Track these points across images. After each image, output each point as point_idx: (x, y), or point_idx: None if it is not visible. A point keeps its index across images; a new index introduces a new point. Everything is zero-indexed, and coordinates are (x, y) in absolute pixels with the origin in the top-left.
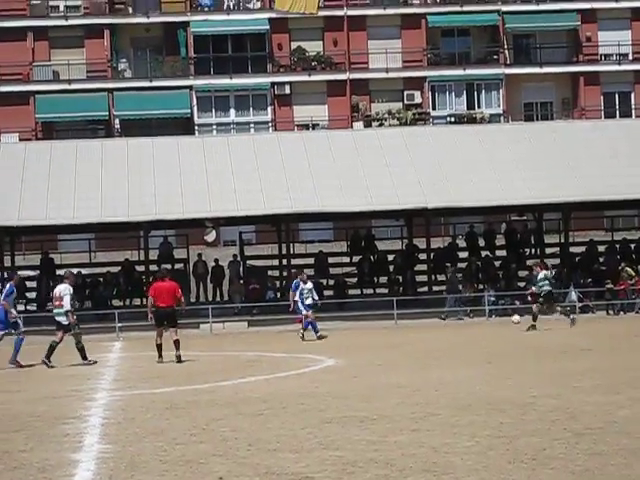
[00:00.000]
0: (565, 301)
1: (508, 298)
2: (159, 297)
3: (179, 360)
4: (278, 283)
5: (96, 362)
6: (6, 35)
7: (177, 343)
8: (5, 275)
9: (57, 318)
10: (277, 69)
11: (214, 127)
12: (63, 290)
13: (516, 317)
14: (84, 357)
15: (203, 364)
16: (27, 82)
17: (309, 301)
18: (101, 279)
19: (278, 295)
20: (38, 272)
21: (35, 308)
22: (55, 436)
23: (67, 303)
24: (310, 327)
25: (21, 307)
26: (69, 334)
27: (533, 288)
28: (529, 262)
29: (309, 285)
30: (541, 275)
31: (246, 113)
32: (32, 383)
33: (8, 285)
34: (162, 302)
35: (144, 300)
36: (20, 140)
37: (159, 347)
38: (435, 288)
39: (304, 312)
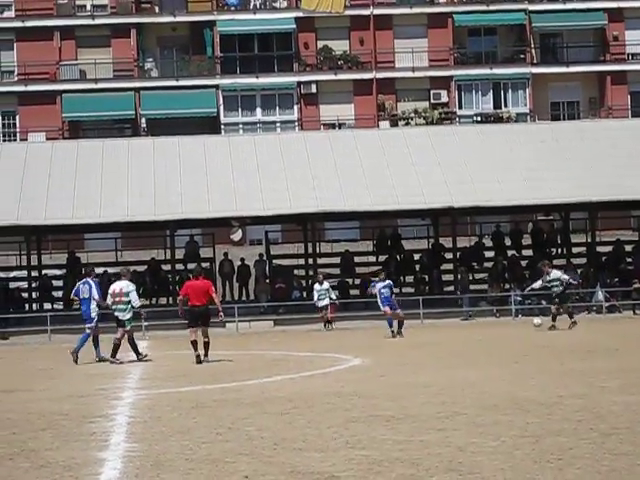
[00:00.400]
0: (592, 301)
1: (534, 298)
2: (193, 296)
3: (199, 361)
4: (304, 282)
5: (122, 363)
6: (33, 34)
7: (207, 345)
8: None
9: (116, 314)
10: (303, 68)
11: (240, 126)
12: (126, 287)
13: (537, 320)
14: (113, 355)
15: (229, 363)
16: (54, 81)
17: (326, 301)
18: None
19: (304, 294)
20: (64, 271)
21: (61, 307)
22: (81, 435)
23: (136, 299)
24: (387, 323)
25: (48, 306)
26: (126, 330)
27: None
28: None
29: (325, 286)
30: (553, 276)
31: (272, 112)
32: (59, 382)
33: (90, 280)
34: (196, 301)
35: (170, 299)
36: (47, 139)
37: (194, 343)
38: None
39: (383, 309)
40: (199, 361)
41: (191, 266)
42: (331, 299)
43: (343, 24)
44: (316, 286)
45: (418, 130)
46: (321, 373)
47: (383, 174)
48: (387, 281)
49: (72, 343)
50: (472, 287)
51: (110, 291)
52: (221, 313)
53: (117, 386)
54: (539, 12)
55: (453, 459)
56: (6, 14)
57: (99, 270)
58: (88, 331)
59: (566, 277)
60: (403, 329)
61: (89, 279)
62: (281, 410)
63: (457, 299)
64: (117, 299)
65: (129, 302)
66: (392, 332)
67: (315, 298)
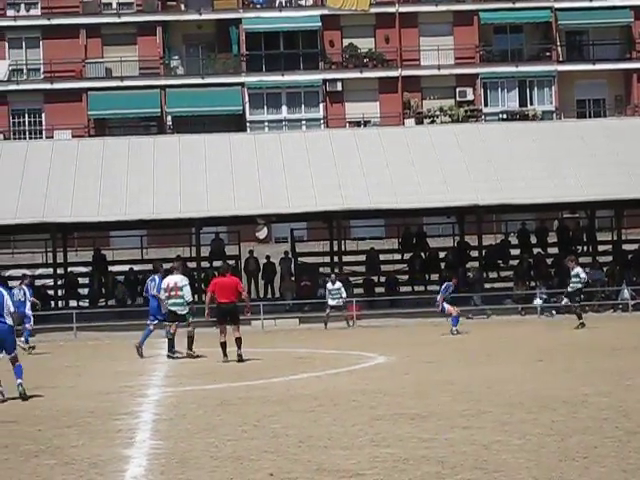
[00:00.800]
0: (618, 299)
1: (560, 296)
2: (220, 293)
3: (240, 359)
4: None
5: (199, 356)
6: (59, 32)
7: (239, 341)
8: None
9: (173, 308)
10: (329, 66)
11: (266, 124)
12: (180, 281)
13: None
14: (190, 347)
15: (255, 361)
16: (80, 79)
17: (336, 301)
18: None
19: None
20: (90, 268)
21: (87, 304)
22: (107, 432)
23: (188, 293)
24: (452, 321)
25: (73, 303)
26: (183, 324)
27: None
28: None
29: (337, 285)
30: (574, 272)
31: (298, 110)
32: (84, 379)
33: (157, 277)
34: (224, 298)
35: (196, 297)
36: (73, 137)
37: (223, 345)
38: (487, 285)
39: (448, 308)
40: (240, 359)
41: (217, 264)
42: (342, 298)
43: (369, 22)
44: (328, 285)
45: (443, 128)
46: (346, 371)
47: (408, 172)
48: (337, 283)
49: (98, 340)
50: (497, 285)
51: (164, 285)
52: (249, 310)
53: (142, 383)
54: (565, 9)
55: (478, 457)
56: (32, 12)
57: (124, 268)
58: (152, 327)
59: (584, 276)
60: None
61: (156, 276)
62: (306, 408)
63: (483, 297)
64: (172, 293)
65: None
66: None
67: (327, 297)
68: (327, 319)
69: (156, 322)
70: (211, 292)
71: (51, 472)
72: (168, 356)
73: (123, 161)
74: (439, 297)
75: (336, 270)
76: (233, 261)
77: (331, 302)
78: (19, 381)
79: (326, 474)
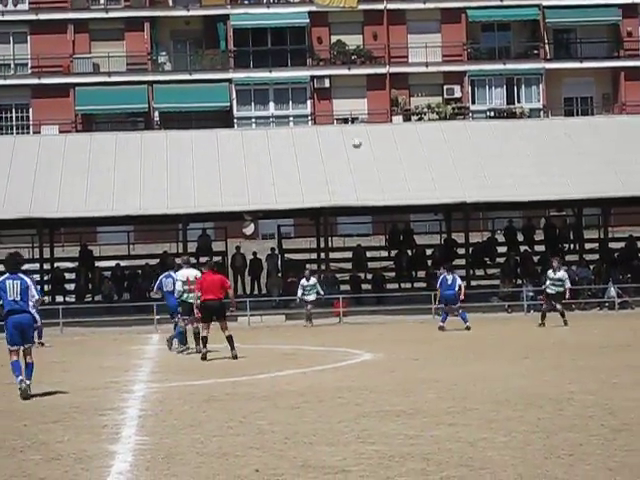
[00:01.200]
0: (604, 297)
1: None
2: (207, 290)
3: (235, 357)
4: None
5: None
6: (47, 27)
7: (231, 340)
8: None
9: (191, 301)
10: (317, 63)
11: (253, 120)
12: (199, 275)
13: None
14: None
15: (241, 357)
16: (67, 74)
17: (312, 297)
18: (139, 271)
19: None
20: (76, 264)
21: (74, 300)
22: (93, 427)
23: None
24: (460, 317)
25: (60, 298)
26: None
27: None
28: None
29: (312, 281)
30: (559, 275)
31: (285, 106)
32: (70, 374)
33: (173, 273)
34: (211, 295)
35: None
36: (60, 132)
37: (205, 339)
38: (473, 283)
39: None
40: (205, 357)
41: (203, 260)
42: (318, 294)
43: (356, 19)
44: (303, 281)
45: (431, 125)
46: (332, 367)
47: (396, 169)
48: (312, 279)
49: (85, 336)
50: (484, 283)
51: (183, 279)
52: (233, 307)
53: (128, 379)
54: (553, 7)
55: (464, 454)
56: (20, 7)
57: (111, 263)
58: (181, 324)
59: (569, 284)
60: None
61: (172, 272)
62: (292, 404)
63: (469, 295)
64: (192, 287)
65: None
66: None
67: (299, 293)
68: (309, 315)
69: (187, 318)
70: (198, 290)
71: (36, 467)
72: (179, 352)
73: (110, 157)
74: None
75: (310, 266)
76: (220, 257)
77: (307, 298)
78: (27, 382)
79: (312, 470)
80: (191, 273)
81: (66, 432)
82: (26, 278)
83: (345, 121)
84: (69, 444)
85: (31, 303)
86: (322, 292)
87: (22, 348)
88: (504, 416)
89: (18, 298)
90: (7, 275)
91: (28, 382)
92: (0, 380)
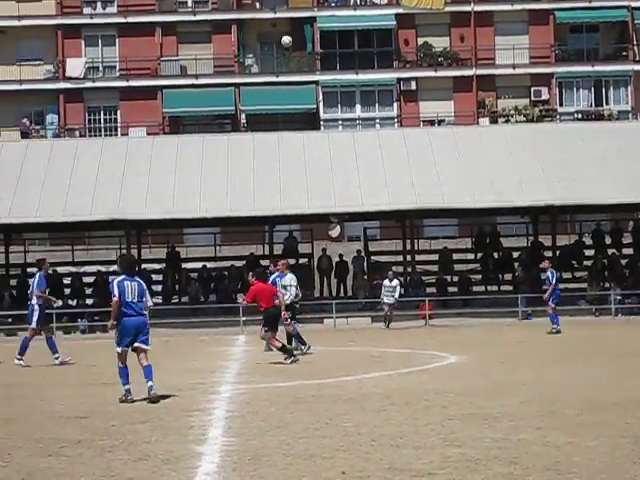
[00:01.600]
0: None
1: (635, 297)
2: (264, 299)
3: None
4: (402, 279)
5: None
6: (135, 30)
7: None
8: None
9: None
10: (403, 65)
11: (340, 122)
12: (293, 280)
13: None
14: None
15: (327, 359)
16: (155, 77)
17: (391, 300)
18: (226, 273)
19: (402, 291)
20: (164, 265)
21: (161, 301)
22: (179, 428)
23: (294, 292)
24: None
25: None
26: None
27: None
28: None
29: (394, 283)
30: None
31: (372, 109)
32: (157, 376)
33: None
34: (268, 303)
35: None
36: (148, 134)
37: (286, 347)
38: (561, 286)
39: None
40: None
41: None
42: (395, 298)
43: (443, 21)
44: (385, 282)
45: (518, 127)
46: (419, 370)
47: (482, 171)
48: (395, 281)
49: (171, 337)
50: (572, 286)
51: (284, 282)
52: (285, 313)
53: (215, 380)
54: None
55: (550, 458)
56: (109, 10)
57: (198, 265)
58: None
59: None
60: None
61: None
62: (378, 407)
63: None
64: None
65: None
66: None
67: (382, 294)
68: (389, 317)
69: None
70: (251, 300)
71: (124, 467)
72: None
73: (197, 159)
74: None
75: (395, 269)
76: (306, 259)
77: (387, 300)
78: (150, 383)
79: (398, 473)
80: (290, 277)
81: (154, 433)
82: (142, 281)
83: (431, 123)
84: (157, 444)
85: (144, 303)
86: (397, 297)
87: (137, 352)
88: (592, 420)
89: (136, 300)
90: (124, 276)
91: (151, 383)
92: (96, 380)
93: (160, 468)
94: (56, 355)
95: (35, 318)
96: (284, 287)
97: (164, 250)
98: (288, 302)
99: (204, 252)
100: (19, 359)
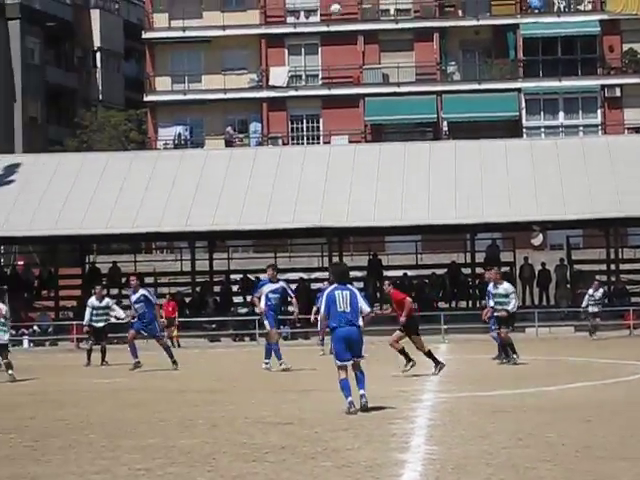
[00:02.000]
0: None
1: None
2: (400, 308)
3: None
4: (606, 288)
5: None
6: (338, 39)
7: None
8: None
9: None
10: (607, 72)
11: (542, 130)
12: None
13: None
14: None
15: (529, 368)
16: (357, 85)
17: (596, 309)
18: (427, 280)
19: (605, 301)
20: (365, 273)
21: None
22: (382, 436)
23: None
24: None
25: None
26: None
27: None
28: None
29: (600, 292)
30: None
31: (575, 116)
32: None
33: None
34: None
35: (470, 302)
36: (349, 142)
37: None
38: None
39: None
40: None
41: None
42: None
43: None
44: (590, 291)
45: None
46: (625, 381)
47: None
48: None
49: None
50: None
51: (500, 291)
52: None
53: (417, 388)
54: None
55: None
56: (312, 19)
57: (399, 273)
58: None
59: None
60: None
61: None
62: (582, 417)
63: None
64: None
65: None
66: None
67: (584, 304)
68: (595, 327)
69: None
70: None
71: (327, 474)
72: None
73: (399, 167)
74: None
75: (599, 277)
76: (508, 268)
77: (590, 309)
78: (362, 392)
79: None
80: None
81: (356, 440)
82: (355, 290)
83: (637, 131)
84: (359, 452)
85: (360, 317)
86: (602, 306)
87: (350, 363)
88: None
89: (348, 310)
90: (336, 286)
91: (363, 391)
92: (302, 387)
93: (363, 475)
94: (280, 361)
95: (269, 320)
96: (505, 296)
97: (365, 257)
98: (513, 311)
99: (405, 260)
100: (266, 363)
